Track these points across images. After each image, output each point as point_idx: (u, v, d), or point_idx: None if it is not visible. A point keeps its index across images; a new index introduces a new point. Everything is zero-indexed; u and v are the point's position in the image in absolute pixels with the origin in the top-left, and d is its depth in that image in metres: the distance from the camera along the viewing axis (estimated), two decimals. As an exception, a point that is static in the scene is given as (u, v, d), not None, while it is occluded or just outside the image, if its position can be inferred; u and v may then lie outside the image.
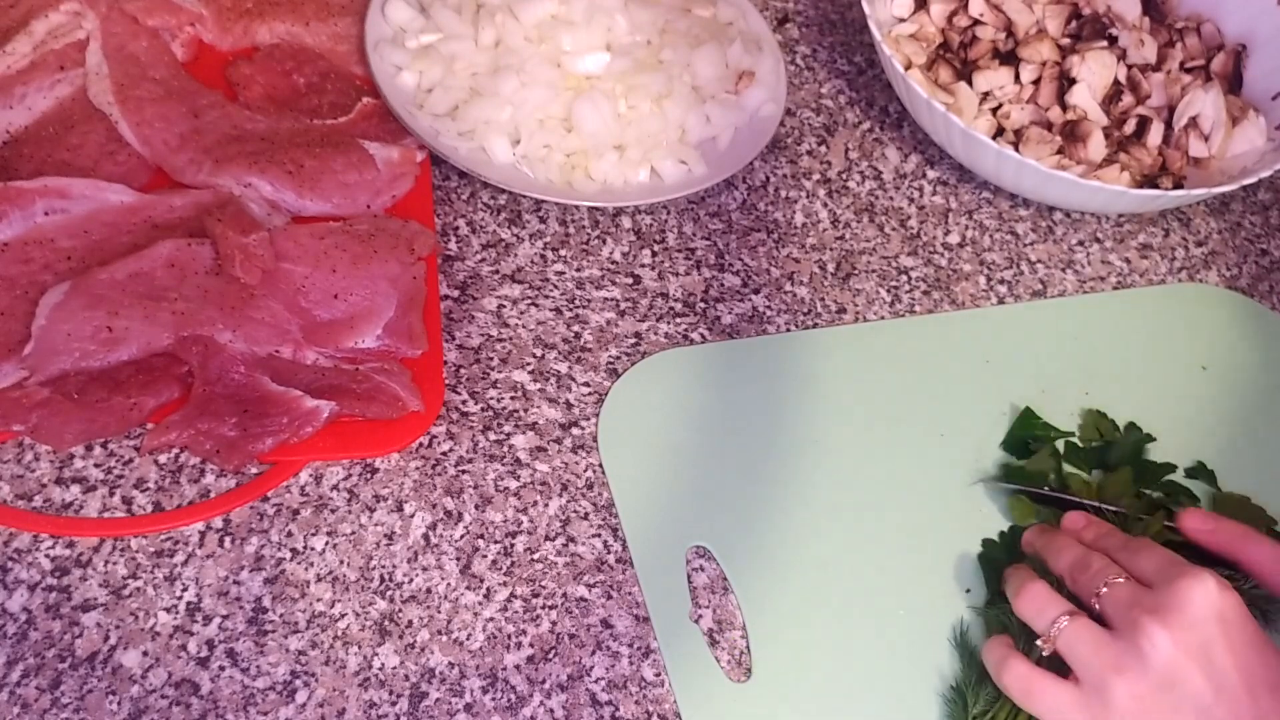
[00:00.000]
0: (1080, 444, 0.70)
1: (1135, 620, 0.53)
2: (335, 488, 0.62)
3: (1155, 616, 0.52)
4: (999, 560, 0.63)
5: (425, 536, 0.61)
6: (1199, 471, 0.70)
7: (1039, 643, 0.56)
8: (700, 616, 0.60)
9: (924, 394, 0.71)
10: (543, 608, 0.60)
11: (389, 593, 0.59)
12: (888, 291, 0.76)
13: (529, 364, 0.68)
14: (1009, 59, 0.82)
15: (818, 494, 0.66)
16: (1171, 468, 0.68)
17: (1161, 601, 0.53)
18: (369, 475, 0.63)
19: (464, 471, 0.64)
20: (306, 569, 0.59)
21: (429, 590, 0.59)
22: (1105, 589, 0.55)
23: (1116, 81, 0.82)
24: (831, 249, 0.78)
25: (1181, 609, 0.52)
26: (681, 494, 0.64)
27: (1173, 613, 0.52)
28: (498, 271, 0.72)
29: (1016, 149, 0.77)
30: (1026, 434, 0.69)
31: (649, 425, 0.66)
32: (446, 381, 0.66)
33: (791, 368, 0.70)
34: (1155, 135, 0.81)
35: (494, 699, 0.57)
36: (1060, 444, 0.69)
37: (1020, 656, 0.56)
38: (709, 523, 0.63)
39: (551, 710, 0.57)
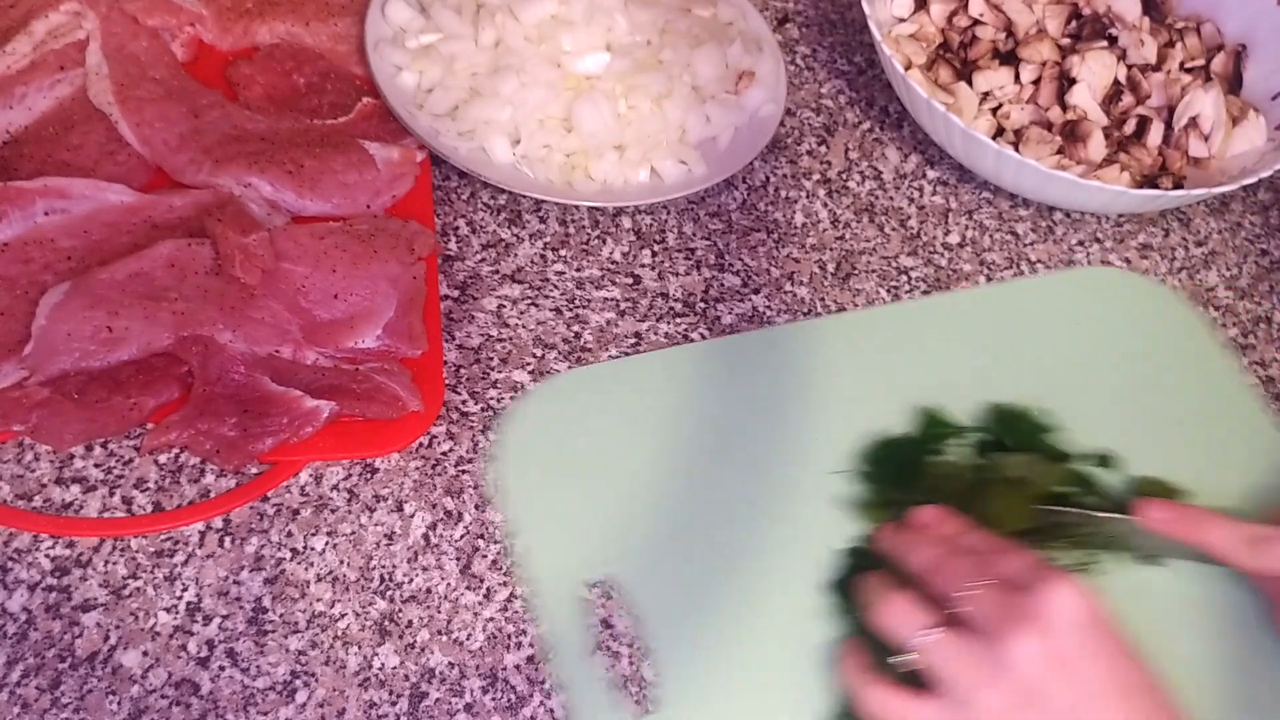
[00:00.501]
0: (983, 440, 0.68)
1: (1000, 628, 0.51)
2: (335, 488, 0.62)
3: (1020, 624, 0.51)
4: (855, 567, 0.62)
5: (425, 536, 0.61)
6: (1106, 459, 0.69)
7: (899, 659, 0.54)
8: (602, 652, 0.58)
9: (830, 398, 0.68)
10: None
11: (389, 593, 0.59)
12: (888, 291, 0.76)
13: (529, 364, 0.68)
14: (1009, 59, 0.82)
15: (724, 510, 0.63)
16: (1079, 456, 0.68)
17: (1026, 609, 0.52)
18: (369, 475, 0.63)
19: (464, 471, 0.64)
20: (306, 569, 0.59)
21: (429, 590, 0.60)
22: (968, 592, 0.53)
23: (1116, 81, 0.82)
24: (831, 249, 0.78)
25: (1044, 616, 0.51)
26: (582, 522, 0.62)
27: (1036, 620, 0.51)
28: (498, 271, 0.72)
29: (1016, 149, 0.77)
30: (930, 433, 0.67)
31: (550, 449, 0.64)
32: (446, 381, 0.66)
33: (697, 378, 0.68)
34: (1155, 135, 0.81)
35: (494, 699, 0.57)
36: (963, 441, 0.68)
37: (875, 682, 0.55)
38: (609, 554, 0.61)
39: (551, 710, 0.57)
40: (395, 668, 0.57)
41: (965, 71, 0.82)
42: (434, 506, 0.62)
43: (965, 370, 0.72)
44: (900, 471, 0.66)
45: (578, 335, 0.70)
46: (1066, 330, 0.76)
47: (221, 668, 0.56)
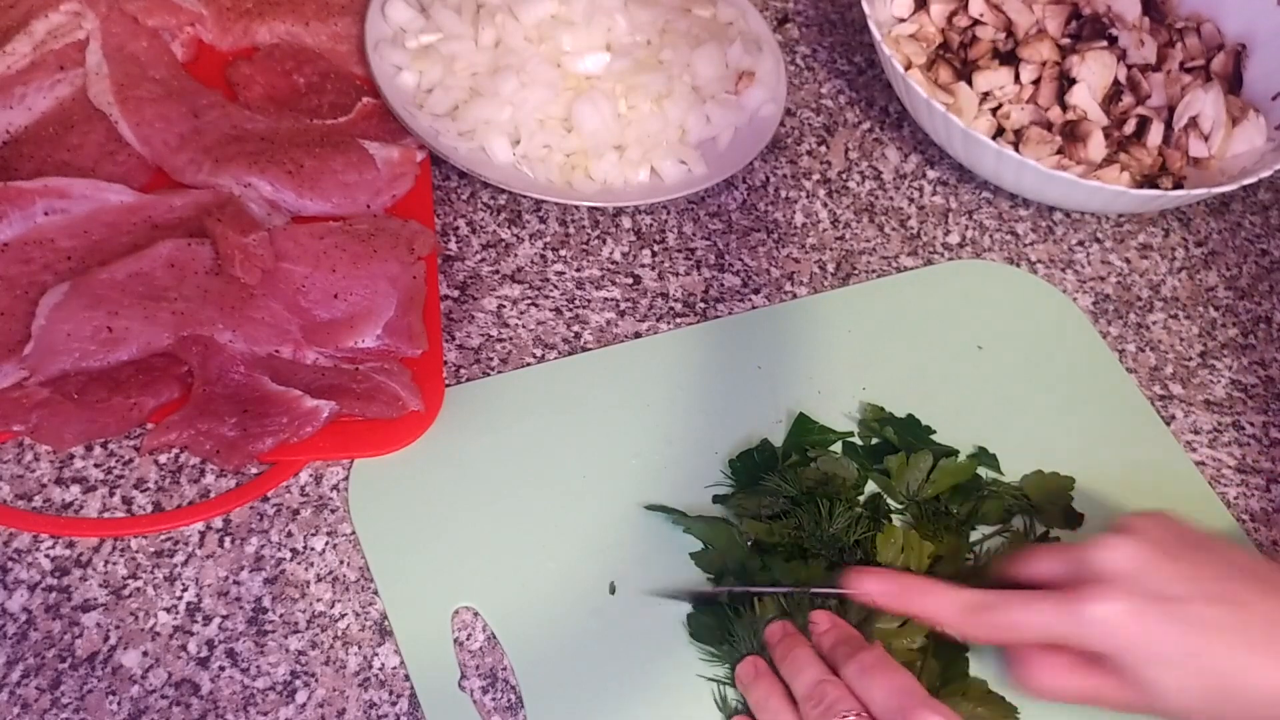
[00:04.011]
0: (859, 444, 0.67)
1: None
2: (335, 488, 0.62)
3: None
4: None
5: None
6: (980, 456, 0.68)
7: None
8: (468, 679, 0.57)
9: (692, 409, 0.67)
10: (542, 608, 0.60)
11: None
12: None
13: (529, 364, 0.68)
14: (1009, 59, 0.82)
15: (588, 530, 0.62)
16: (954, 452, 0.67)
17: None
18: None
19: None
20: (306, 569, 0.59)
21: (429, 590, 0.59)
22: None
23: (1116, 81, 0.82)
24: (831, 249, 0.78)
25: None
26: (444, 554, 0.60)
27: None
28: (498, 271, 0.72)
29: (1016, 149, 0.77)
30: (803, 440, 0.66)
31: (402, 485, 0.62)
32: (446, 381, 0.66)
33: (557, 398, 0.67)
34: (1155, 135, 0.81)
35: (494, 699, 0.57)
36: (838, 446, 0.67)
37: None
38: (475, 582, 0.59)
39: (551, 710, 0.57)
40: (395, 668, 0.57)
41: (965, 71, 0.82)
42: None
43: (836, 373, 0.70)
44: (767, 482, 0.63)
45: (578, 335, 0.70)
46: (936, 326, 0.74)
47: (221, 668, 0.56)
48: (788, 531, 0.61)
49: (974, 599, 0.55)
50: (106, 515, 0.59)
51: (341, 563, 0.60)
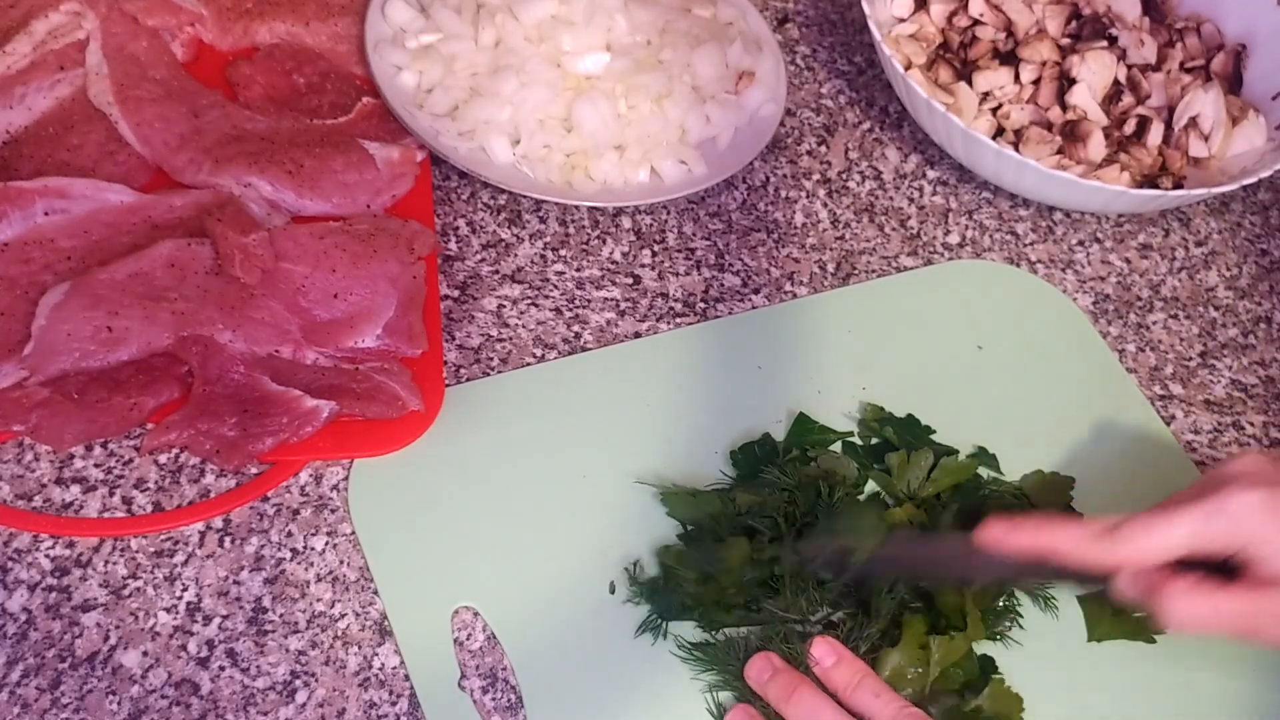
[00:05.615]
0: (859, 443, 0.67)
1: None
2: (335, 488, 0.62)
3: None
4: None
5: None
6: (980, 456, 0.68)
7: None
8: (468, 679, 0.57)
9: (693, 409, 0.67)
10: (542, 608, 0.60)
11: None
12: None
13: (529, 364, 0.68)
14: (1009, 59, 0.82)
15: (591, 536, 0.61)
16: (954, 452, 0.67)
17: None
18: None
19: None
20: (306, 569, 0.59)
21: (429, 590, 0.59)
22: None
23: (1116, 81, 0.82)
24: (831, 249, 0.78)
25: None
26: (444, 554, 0.60)
27: None
28: (498, 271, 0.72)
29: (1016, 149, 0.77)
30: (803, 440, 0.66)
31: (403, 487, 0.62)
32: (446, 381, 0.66)
33: (557, 398, 0.67)
34: (1155, 135, 0.81)
35: (494, 699, 0.57)
36: (838, 446, 0.67)
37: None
38: (475, 582, 0.59)
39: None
40: (395, 668, 0.57)
41: (965, 71, 0.82)
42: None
43: (836, 373, 0.70)
44: (767, 474, 0.63)
45: (578, 335, 0.70)
46: (936, 326, 0.74)
47: (221, 668, 0.56)
48: (785, 507, 0.61)
49: (1104, 523, 0.56)
50: (106, 515, 0.59)
51: (341, 563, 0.60)
